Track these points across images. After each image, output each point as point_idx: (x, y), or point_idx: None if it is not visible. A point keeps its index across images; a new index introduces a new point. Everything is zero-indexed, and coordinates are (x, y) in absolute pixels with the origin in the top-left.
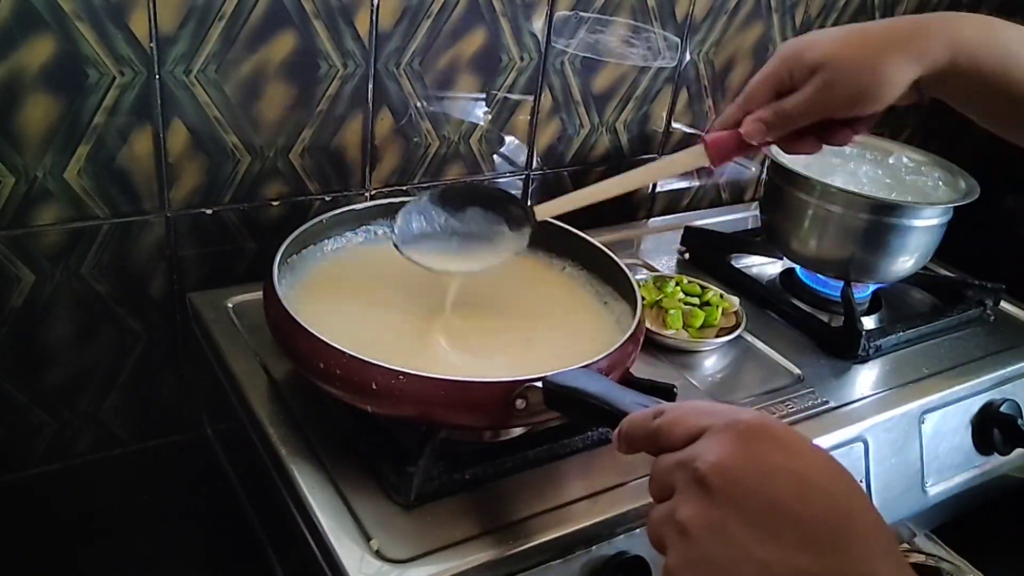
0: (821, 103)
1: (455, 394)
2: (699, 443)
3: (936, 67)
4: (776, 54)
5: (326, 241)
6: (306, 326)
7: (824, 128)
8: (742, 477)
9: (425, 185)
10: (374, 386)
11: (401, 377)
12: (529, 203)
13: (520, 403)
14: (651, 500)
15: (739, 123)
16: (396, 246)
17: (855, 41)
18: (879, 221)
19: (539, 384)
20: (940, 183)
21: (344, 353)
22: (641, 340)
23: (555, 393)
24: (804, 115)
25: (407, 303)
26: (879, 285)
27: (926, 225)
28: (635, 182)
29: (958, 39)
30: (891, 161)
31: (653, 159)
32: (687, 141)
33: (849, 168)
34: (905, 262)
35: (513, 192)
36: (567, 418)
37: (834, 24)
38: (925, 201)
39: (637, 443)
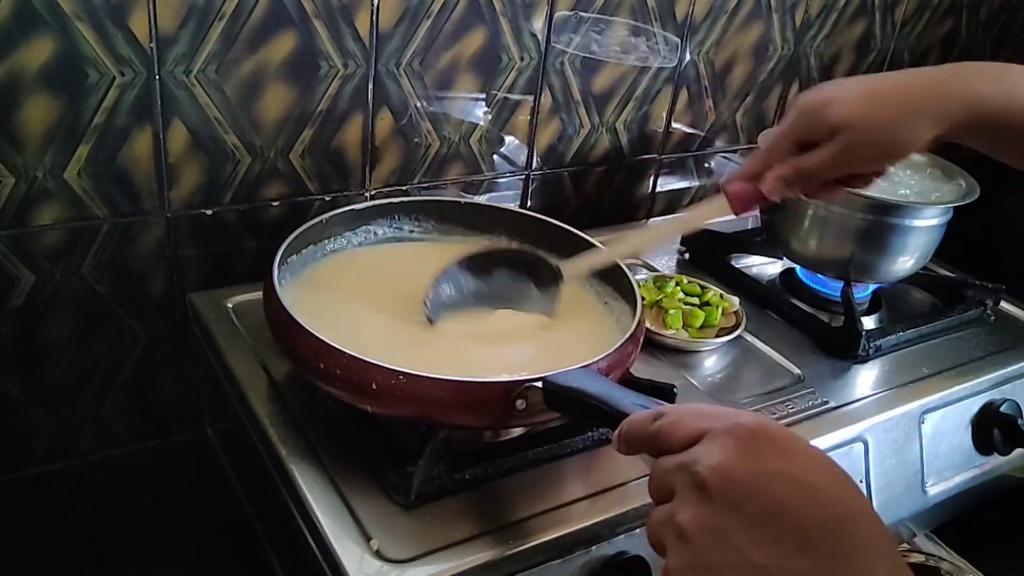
0: (843, 162)
1: (455, 394)
2: (699, 447)
3: (956, 125)
4: (795, 108)
5: (326, 241)
6: (306, 326)
7: (845, 178)
8: (742, 481)
9: (425, 185)
10: (374, 386)
11: (401, 377)
12: (556, 263)
13: (520, 403)
14: (651, 501)
15: (760, 175)
16: (429, 319)
17: (876, 102)
18: (879, 221)
19: (539, 384)
20: (938, 182)
21: (344, 353)
22: (641, 340)
23: (555, 393)
24: (825, 173)
25: (407, 303)
26: (879, 285)
27: (926, 225)
28: (661, 237)
29: (975, 97)
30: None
31: (653, 159)
32: (687, 141)
33: None
34: (905, 262)
35: (513, 192)
36: (567, 418)
37: (833, 25)
38: (925, 201)
39: (637, 445)
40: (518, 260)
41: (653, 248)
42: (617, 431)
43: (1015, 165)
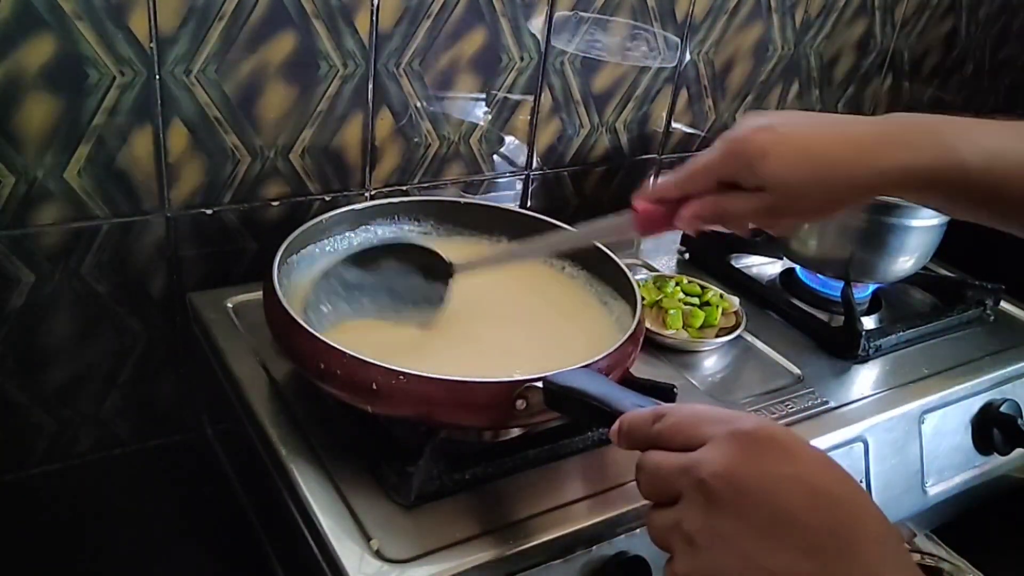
0: (766, 216)
1: (455, 394)
2: (703, 451)
3: (889, 189)
4: (725, 147)
5: (326, 241)
6: (306, 326)
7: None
8: (748, 486)
9: (426, 185)
10: (374, 386)
11: (401, 377)
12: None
13: (521, 403)
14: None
15: (672, 201)
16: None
17: (810, 164)
18: (879, 221)
19: (539, 384)
20: None
21: (344, 353)
22: (641, 340)
23: (555, 393)
24: (746, 222)
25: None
26: (879, 285)
27: (926, 225)
28: (558, 244)
29: (906, 163)
30: None
31: (653, 159)
32: (687, 141)
33: None
34: (905, 262)
35: (513, 192)
36: (567, 418)
37: (833, 25)
38: None
39: (637, 443)
40: (407, 255)
41: (544, 255)
42: (616, 426)
43: (960, 217)
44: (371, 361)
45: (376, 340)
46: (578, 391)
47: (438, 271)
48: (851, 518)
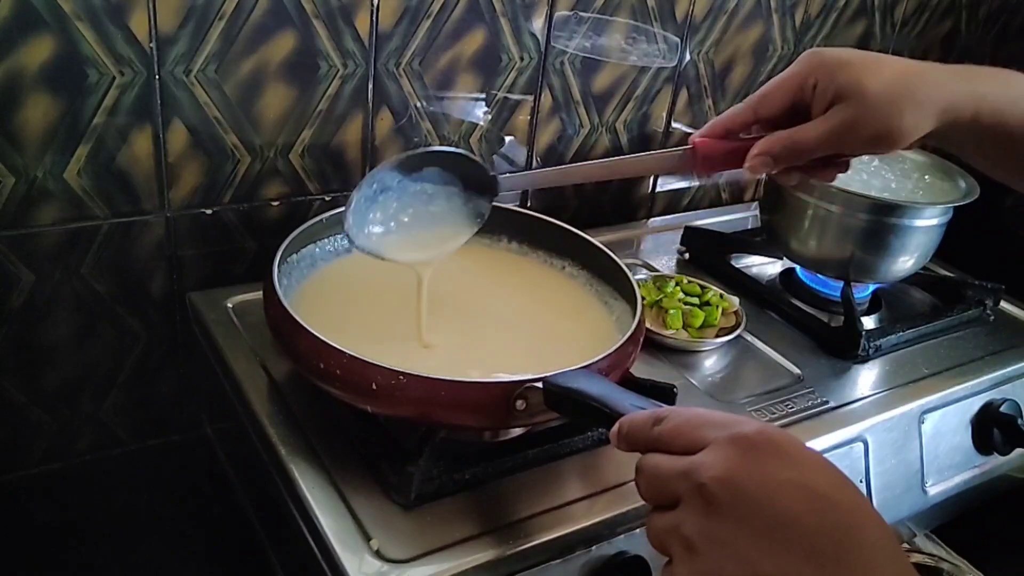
0: (840, 140)
1: (455, 394)
2: (703, 455)
3: (956, 121)
4: (801, 60)
5: (326, 240)
6: (306, 326)
7: (816, 163)
8: (748, 491)
9: None
10: (374, 386)
11: (401, 377)
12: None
13: (520, 404)
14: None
15: (746, 125)
16: (348, 237)
17: (890, 76)
18: (879, 221)
19: (539, 385)
20: (938, 182)
21: (344, 353)
22: (641, 340)
23: (555, 394)
24: (818, 151)
25: (409, 302)
26: (879, 285)
27: (926, 225)
28: (606, 172)
29: (980, 95)
30: (895, 164)
31: None
32: (687, 141)
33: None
34: (905, 262)
35: (514, 192)
36: (567, 419)
37: (833, 25)
38: (925, 201)
39: (637, 445)
40: (450, 162)
41: (599, 178)
42: (616, 428)
43: (999, 176)
44: (371, 361)
45: (378, 338)
46: (577, 392)
47: (482, 185)
48: (851, 522)
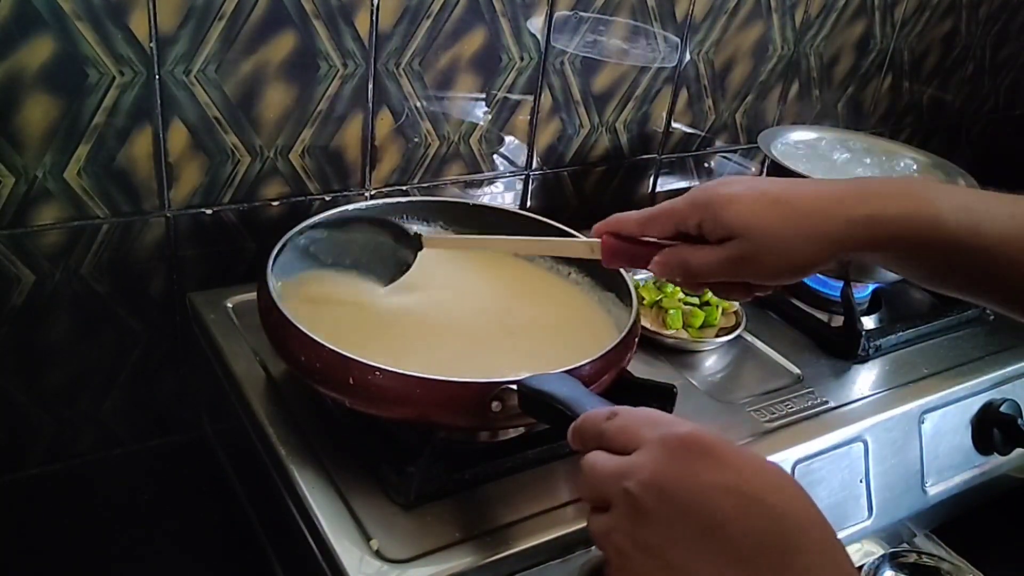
0: (735, 271)
1: (430, 392)
2: (633, 457)
3: (860, 245)
4: (687, 197)
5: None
6: (290, 318)
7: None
8: (675, 495)
9: (426, 185)
10: (351, 380)
11: (378, 373)
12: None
13: (496, 405)
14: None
15: (636, 240)
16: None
17: (780, 212)
18: None
19: (514, 387)
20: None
21: (324, 346)
22: (634, 345)
23: (528, 397)
24: (711, 278)
25: (411, 302)
26: (879, 285)
27: None
28: (523, 247)
29: (879, 216)
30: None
31: (653, 159)
32: (687, 141)
33: (848, 169)
34: None
35: (513, 192)
36: (542, 423)
37: (833, 25)
38: None
39: (587, 441)
40: (379, 225)
41: (508, 251)
42: (572, 425)
43: (922, 284)
44: (348, 355)
45: (377, 337)
46: (548, 395)
47: (407, 242)
48: (786, 527)
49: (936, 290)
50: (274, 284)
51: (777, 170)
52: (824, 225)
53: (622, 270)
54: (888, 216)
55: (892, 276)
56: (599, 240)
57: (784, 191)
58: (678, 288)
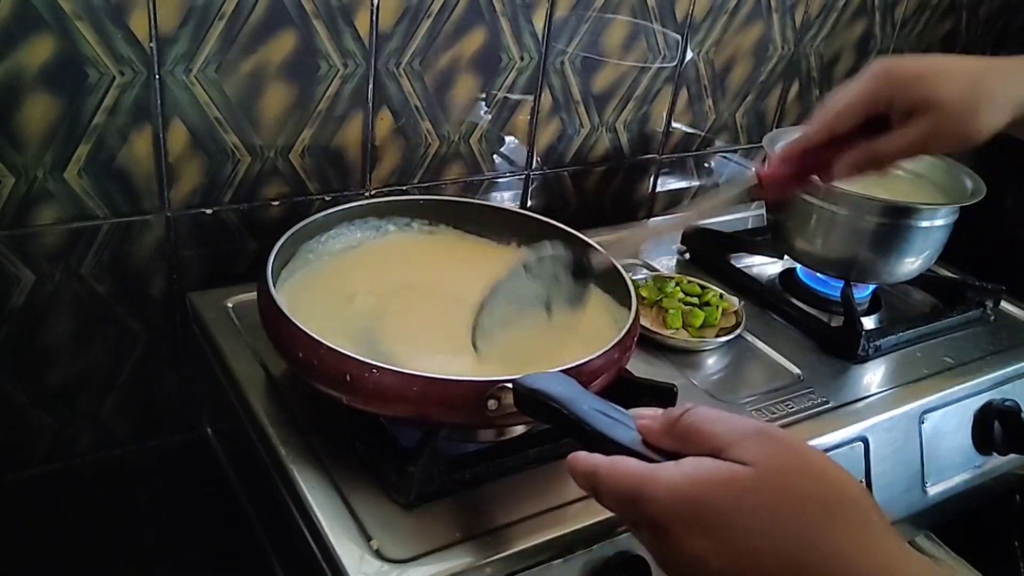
0: (921, 147)
1: (428, 390)
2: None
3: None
4: (870, 73)
5: (323, 239)
6: (288, 315)
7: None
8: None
9: (425, 185)
10: (348, 378)
11: (375, 371)
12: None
13: (492, 404)
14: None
15: (823, 145)
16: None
17: (961, 84)
18: (886, 222)
19: (509, 385)
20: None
21: (321, 344)
22: (633, 345)
23: (523, 395)
24: (900, 159)
25: (411, 301)
26: (879, 285)
27: (932, 226)
28: (687, 223)
29: None
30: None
31: (653, 159)
32: (687, 141)
33: None
34: (911, 263)
35: (513, 192)
36: (538, 421)
37: (833, 25)
38: (933, 202)
39: (580, 486)
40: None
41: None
42: (568, 459)
43: None
44: (346, 353)
45: (376, 336)
46: (543, 394)
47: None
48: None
49: None
50: (274, 283)
51: None
52: (1006, 89)
53: (622, 270)
54: None
55: (897, 277)
56: (756, 181)
57: (959, 62)
58: (678, 288)
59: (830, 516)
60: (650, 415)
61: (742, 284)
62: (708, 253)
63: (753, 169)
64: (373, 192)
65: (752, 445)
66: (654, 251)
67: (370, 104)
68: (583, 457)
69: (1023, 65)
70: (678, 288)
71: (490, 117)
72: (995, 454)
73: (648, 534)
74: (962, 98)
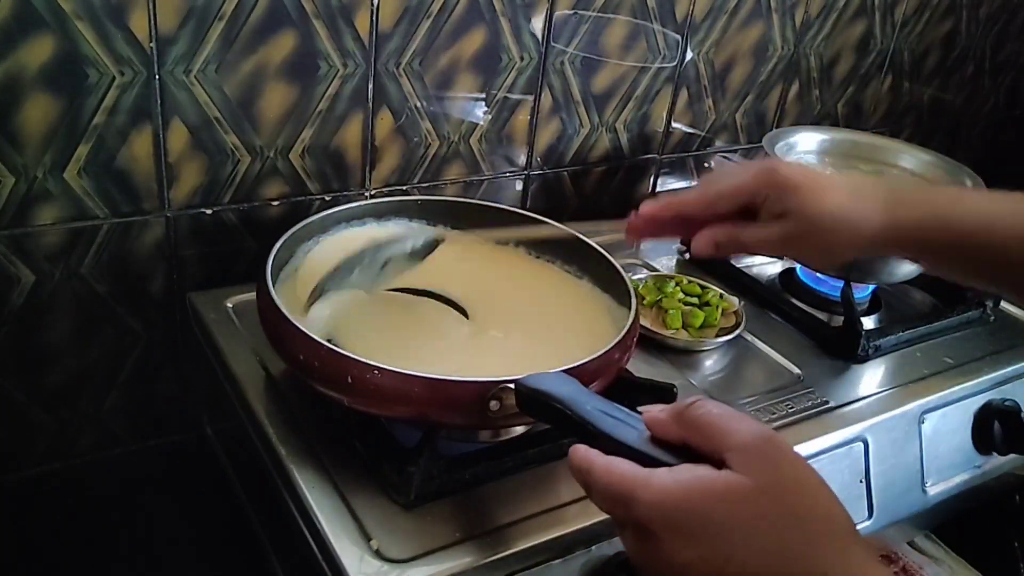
0: (781, 249)
1: (429, 391)
2: (617, 530)
3: (903, 231)
4: (757, 169)
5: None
6: (288, 316)
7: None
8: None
9: (425, 185)
10: (349, 379)
11: (376, 372)
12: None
13: (495, 404)
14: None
15: (699, 216)
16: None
17: (830, 204)
18: None
19: (512, 386)
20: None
21: (322, 345)
22: (633, 345)
23: (526, 396)
24: (758, 252)
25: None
26: (878, 285)
27: None
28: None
29: (928, 205)
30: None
31: (653, 159)
32: (687, 141)
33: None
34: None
35: (513, 192)
36: (540, 421)
37: (833, 25)
38: None
39: (575, 478)
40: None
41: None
42: (570, 452)
43: (955, 279)
44: (347, 354)
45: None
46: (545, 394)
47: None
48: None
49: (955, 280)
50: (274, 284)
51: None
52: (863, 225)
53: (621, 269)
54: (913, 220)
55: (896, 278)
56: (631, 216)
57: (837, 184)
58: (678, 288)
59: (818, 536)
60: (658, 408)
61: (742, 284)
62: None
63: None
64: (373, 192)
65: (753, 456)
66: (654, 251)
67: (370, 104)
68: (582, 451)
69: (885, 204)
70: (678, 288)
71: (490, 117)
72: (995, 454)
73: (633, 537)
74: (826, 216)
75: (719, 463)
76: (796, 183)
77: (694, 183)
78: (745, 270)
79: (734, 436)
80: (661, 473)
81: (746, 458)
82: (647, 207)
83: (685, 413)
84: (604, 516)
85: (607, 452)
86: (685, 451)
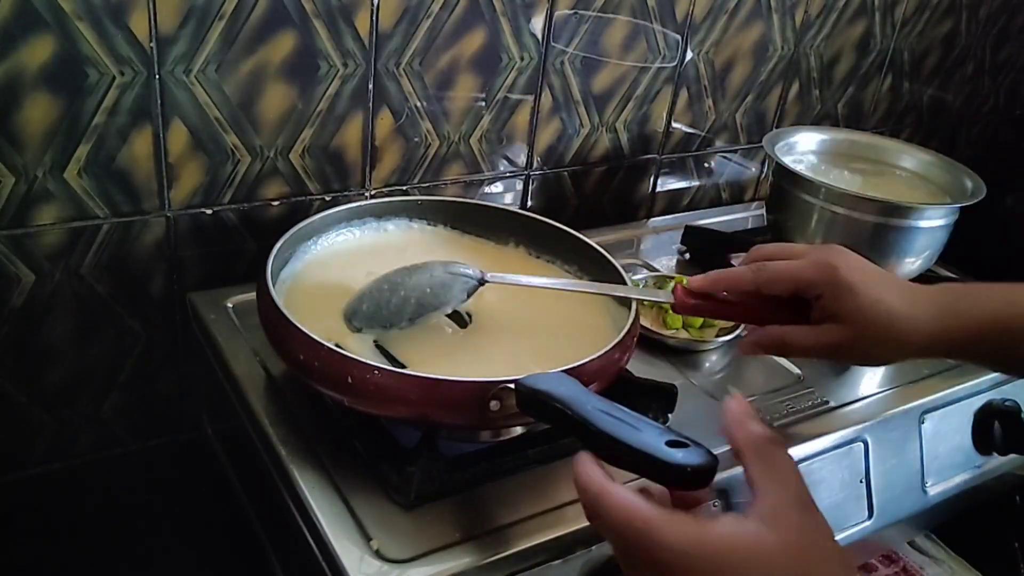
0: (828, 353)
1: (429, 391)
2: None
3: (960, 333)
4: (817, 264)
5: (323, 238)
6: (289, 316)
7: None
8: None
9: (426, 185)
10: (349, 380)
11: (376, 372)
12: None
13: (495, 404)
14: None
15: (747, 295)
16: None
17: (884, 312)
18: (885, 223)
19: (512, 386)
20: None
21: (322, 345)
22: (633, 345)
23: (526, 396)
24: (805, 356)
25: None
26: None
27: (932, 226)
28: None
29: (984, 308)
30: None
31: (653, 159)
32: (687, 141)
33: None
34: (911, 263)
35: (513, 192)
36: (540, 421)
37: (833, 25)
38: (933, 202)
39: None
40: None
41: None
42: (574, 465)
43: (1010, 374)
44: (347, 355)
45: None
46: (545, 394)
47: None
48: None
49: (1005, 374)
50: (274, 284)
51: (782, 172)
52: (916, 334)
53: (621, 270)
54: (968, 327)
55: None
56: (671, 292)
57: (892, 289)
58: None
59: None
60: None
61: None
62: (708, 253)
63: (673, 287)
64: (373, 192)
65: (792, 516)
66: (654, 251)
67: (370, 104)
68: (590, 471)
69: (950, 307)
70: None
71: (490, 117)
72: (995, 454)
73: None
74: (879, 326)
75: (746, 501)
76: (854, 285)
77: (694, 183)
78: None
79: (779, 490)
80: (680, 515)
81: (783, 516)
82: (696, 281)
83: (761, 450)
84: None
85: (607, 453)
86: (685, 451)
